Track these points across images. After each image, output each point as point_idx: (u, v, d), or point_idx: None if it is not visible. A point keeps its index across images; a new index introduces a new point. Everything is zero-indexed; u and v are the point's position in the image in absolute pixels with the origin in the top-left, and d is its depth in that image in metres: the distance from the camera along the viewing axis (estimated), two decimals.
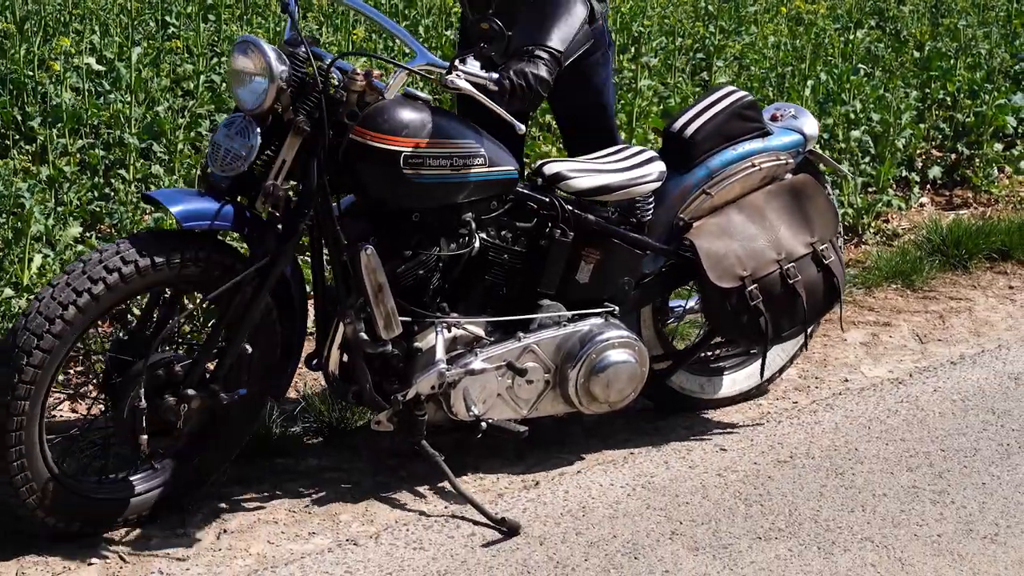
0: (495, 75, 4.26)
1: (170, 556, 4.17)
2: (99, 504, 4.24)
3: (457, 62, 4.22)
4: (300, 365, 4.68)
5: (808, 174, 5.34)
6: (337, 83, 4.28)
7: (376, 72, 4.30)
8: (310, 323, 4.75)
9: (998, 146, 8.14)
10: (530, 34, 4.44)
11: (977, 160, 8.04)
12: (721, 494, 4.66)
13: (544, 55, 4.36)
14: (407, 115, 4.36)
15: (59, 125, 6.43)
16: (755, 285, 4.96)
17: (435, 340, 4.57)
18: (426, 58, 4.33)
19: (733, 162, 5.10)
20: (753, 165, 5.13)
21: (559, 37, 4.43)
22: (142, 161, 6.21)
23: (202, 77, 7.01)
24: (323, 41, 7.50)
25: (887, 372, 5.74)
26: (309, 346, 4.71)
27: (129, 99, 6.48)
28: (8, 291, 5.16)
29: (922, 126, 7.98)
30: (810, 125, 5.35)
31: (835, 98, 7.68)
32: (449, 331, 4.62)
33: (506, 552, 4.26)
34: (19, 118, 6.58)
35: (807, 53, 8.14)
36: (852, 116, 7.57)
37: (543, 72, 4.32)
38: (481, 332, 4.72)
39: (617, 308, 4.90)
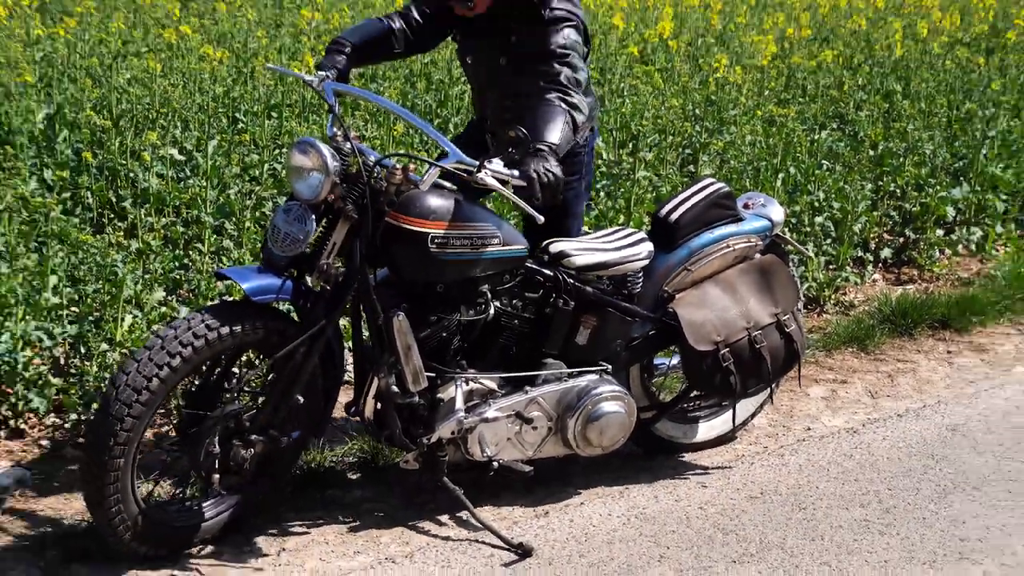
0: (517, 172, 4.24)
1: (239, 571, 4.31)
2: (179, 530, 4.33)
3: (485, 162, 4.21)
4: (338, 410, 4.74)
5: (774, 254, 5.39)
6: (378, 176, 4.34)
7: (412, 166, 4.36)
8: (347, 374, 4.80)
9: (939, 232, 8.18)
10: (537, 134, 4.40)
11: (922, 243, 8.09)
12: (702, 524, 4.75)
13: (547, 150, 4.34)
14: (435, 202, 4.38)
15: (147, 206, 6.53)
16: (727, 349, 5.04)
17: (455, 392, 4.61)
18: (457, 156, 4.32)
19: (710, 243, 5.19)
20: (728, 246, 5.21)
21: (561, 140, 4.45)
22: (215, 236, 6.27)
23: (266, 165, 7.04)
24: (367, 135, 7.45)
25: (844, 422, 5.80)
26: (347, 394, 4.79)
27: (205, 184, 6.55)
28: (104, 345, 5.26)
29: (875, 214, 7.99)
30: (777, 212, 5.44)
31: (802, 189, 7.75)
32: (467, 385, 4.67)
33: (520, 571, 4.36)
34: (113, 200, 6.70)
35: (779, 150, 8.17)
36: (816, 204, 7.64)
37: (555, 168, 4.30)
38: (494, 385, 4.76)
39: (610, 366, 4.98)
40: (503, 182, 4.24)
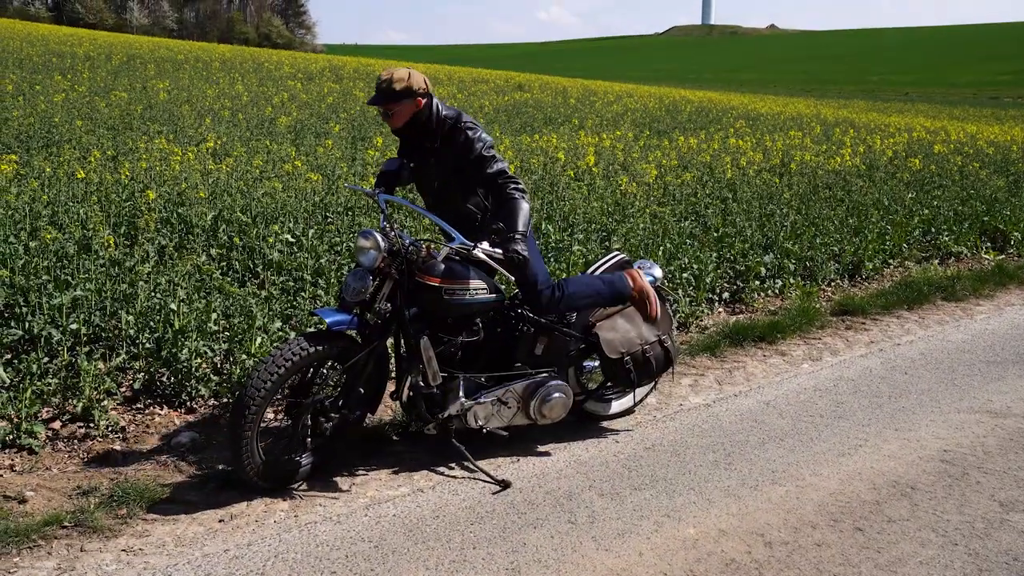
0: (500, 251, 4.32)
1: (325, 496, 4.28)
2: (286, 472, 4.31)
3: (479, 244, 4.34)
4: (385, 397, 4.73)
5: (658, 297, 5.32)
6: (411, 252, 4.37)
7: (432, 245, 4.45)
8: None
9: (757, 282, 8.14)
10: (504, 221, 4.40)
11: (747, 289, 8.04)
12: (615, 465, 4.72)
13: (519, 238, 4.36)
14: (447, 268, 4.42)
15: (271, 270, 6.54)
16: (629, 357, 5.01)
17: (458, 386, 4.61)
18: (460, 240, 4.36)
19: None
20: None
21: (523, 224, 4.42)
22: (312, 288, 6.24)
23: (344, 246, 7.05)
24: (405, 225, 7.52)
25: (702, 400, 5.76)
26: (390, 386, 4.78)
27: (306, 256, 6.57)
28: (244, 356, 5.25)
29: (718, 271, 7.90)
30: (658, 271, 5.37)
31: (674, 257, 7.72)
32: (466, 381, 4.66)
33: (502, 496, 4.34)
34: (251, 266, 6.71)
35: (660, 234, 8.15)
36: (683, 266, 7.61)
37: (523, 250, 4.34)
38: (483, 381, 4.75)
39: (556, 369, 4.94)
40: (492, 257, 4.36)
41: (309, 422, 4.31)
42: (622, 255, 5.35)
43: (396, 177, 4.86)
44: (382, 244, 4.32)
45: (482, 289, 4.56)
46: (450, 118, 4.58)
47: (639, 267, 5.39)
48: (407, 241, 4.42)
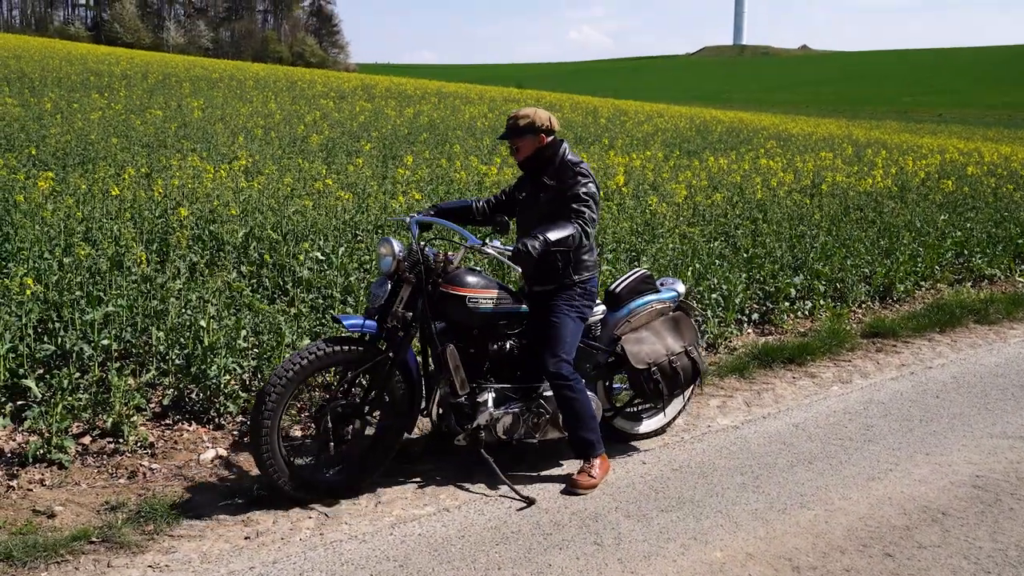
0: (509, 249, 4.39)
1: (351, 514, 4.28)
2: (311, 480, 4.34)
3: (488, 242, 4.51)
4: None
5: (682, 311, 5.39)
6: (431, 260, 4.53)
7: (448, 253, 4.62)
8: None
9: (787, 303, 8.15)
10: (540, 224, 4.53)
11: (776, 311, 8.05)
12: (642, 486, 4.70)
13: (540, 237, 4.39)
14: (470, 278, 4.57)
15: (300, 287, 6.57)
16: (656, 367, 5.04)
17: (487, 397, 4.66)
18: (472, 240, 4.54)
19: (640, 306, 5.20)
20: (651, 307, 5.22)
21: (556, 236, 4.44)
22: (342, 305, 6.32)
23: (374, 263, 6.97)
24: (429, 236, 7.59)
25: (730, 422, 5.72)
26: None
27: (336, 274, 6.60)
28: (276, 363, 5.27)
29: (748, 292, 7.98)
30: (681, 287, 5.46)
31: (703, 277, 7.69)
32: (495, 392, 4.70)
33: (526, 513, 4.33)
34: (281, 283, 6.77)
35: (689, 254, 8.17)
36: (712, 287, 7.61)
37: (536, 245, 4.35)
38: (512, 392, 4.77)
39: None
40: (501, 253, 4.44)
41: (330, 426, 4.33)
42: (644, 271, 5.40)
43: (445, 214, 4.97)
44: (396, 249, 4.46)
45: (505, 300, 4.66)
46: (573, 162, 4.77)
47: (662, 284, 5.48)
48: (427, 250, 4.57)
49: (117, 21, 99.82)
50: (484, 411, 4.63)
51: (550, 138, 4.80)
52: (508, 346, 4.74)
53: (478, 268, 4.53)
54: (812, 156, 17.19)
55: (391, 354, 4.41)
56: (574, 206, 4.61)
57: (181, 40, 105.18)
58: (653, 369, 5.04)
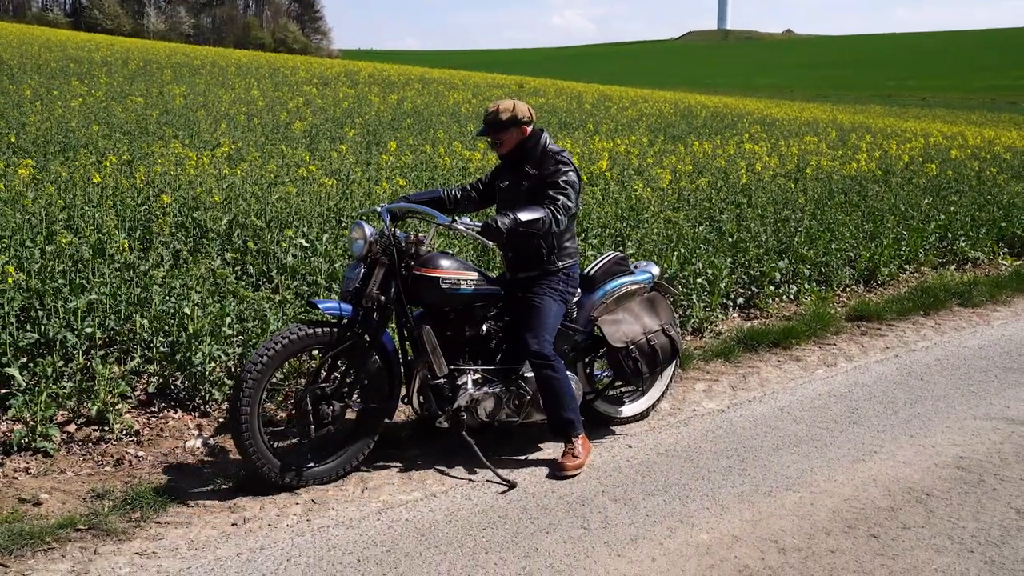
0: (479, 224, 4.50)
1: (337, 499, 4.30)
2: (297, 469, 4.33)
3: (456, 218, 4.60)
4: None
5: (657, 292, 5.42)
6: (402, 242, 4.55)
7: (420, 235, 4.64)
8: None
9: (771, 287, 8.17)
10: (515, 207, 4.60)
11: (761, 295, 8.07)
12: (628, 470, 4.71)
13: (510, 216, 4.48)
14: (444, 261, 4.62)
15: (285, 274, 6.54)
16: (634, 346, 5.11)
17: (467, 379, 4.70)
18: (441, 219, 4.58)
19: (615, 287, 5.23)
20: (625, 288, 5.26)
21: (526, 217, 4.52)
22: (326, 292, 6.30)
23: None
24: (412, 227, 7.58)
25: (715, 406, 5.75)
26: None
27: (320, 261, 6.60)
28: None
29: (733, 277, 7.98)
30: (655, 269, 5.50)
31: (688, 262, 7.71)
32: (474, 374, 4.73)
33: (509, 496, 4.36)
34: (265, 270, 6.74)
35: (674, 239, 8.15)
36: (697, 272, 7.62)
37: (505, 222, 4.45)
38: (491, 374, 4.79)
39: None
40: (470, 228, 4.53)
41: (309, 408, 4.34)
42: (618, 253, 5.45)
43: (416, 202, 4.94)
44: (368, 232, 4.49)
45: (480, 282, 4.71)
46: (554, 151, 4.83)
47: (635, 266, 5.51)
48: (399, 234, 4.59)
49: (97, 7, 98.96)
50: (464, 392, 4.66)
51: (531, 128, 4.87)
52: (485, 328, 4.78)
53: (451, 252, 4.54)
54: (797, 140, 17.23)
55: (367, 336, 4.43)
56: (551, 192, 4.69)
57: (162, 26, 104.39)
58: (631, 348, 5.10)
